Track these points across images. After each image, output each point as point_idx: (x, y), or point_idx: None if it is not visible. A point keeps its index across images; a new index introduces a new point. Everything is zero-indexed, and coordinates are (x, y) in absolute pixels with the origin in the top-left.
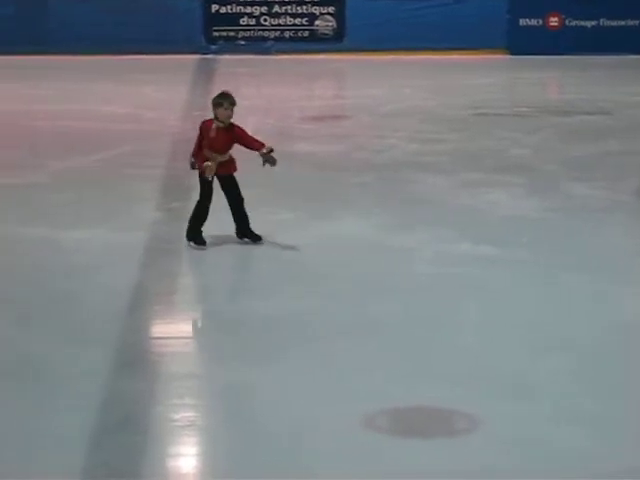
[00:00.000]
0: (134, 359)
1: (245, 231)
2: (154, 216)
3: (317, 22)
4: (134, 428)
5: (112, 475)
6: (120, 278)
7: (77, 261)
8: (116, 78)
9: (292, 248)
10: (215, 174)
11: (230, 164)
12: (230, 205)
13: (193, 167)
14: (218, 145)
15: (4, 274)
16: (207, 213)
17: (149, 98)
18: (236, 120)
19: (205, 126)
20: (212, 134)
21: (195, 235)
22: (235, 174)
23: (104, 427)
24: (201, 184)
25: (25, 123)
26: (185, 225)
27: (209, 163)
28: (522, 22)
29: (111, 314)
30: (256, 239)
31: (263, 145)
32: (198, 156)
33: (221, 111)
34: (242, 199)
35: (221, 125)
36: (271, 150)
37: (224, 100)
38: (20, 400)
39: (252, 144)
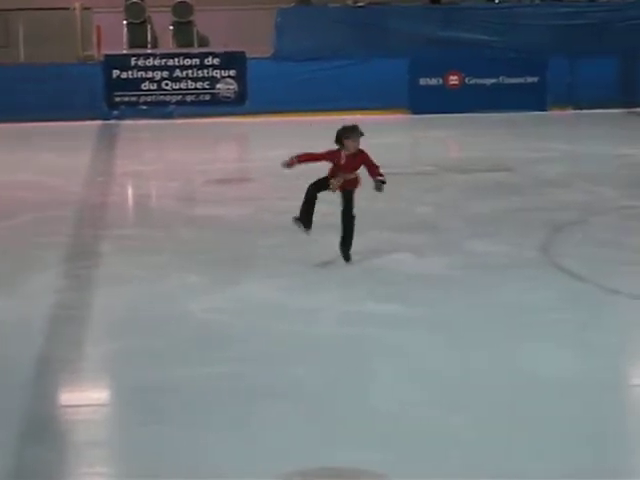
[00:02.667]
0: (42, 428)
1: (342, 245)
2: (60, 283)
3: (218, 85)
4: None
5: None
6: (26, 347)
7: None
8: (19, 146)
9: (204, 312)
10: (340, 189)
11: (354, 181)
12: (341, 219)
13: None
14: (347, 169)
15: None
16: (314, 200)
17: (53, 165)
18: (140, 184)
19: (336, 155)
20: (342, 161)
21: (303, 219)
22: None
23: None
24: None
25: None
26: (93, 291)
27: (334, 180)
28: (422, 81)
29: (17, 384)
30: (346, 258)
31: (380, 174)
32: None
33: (349, 142)
34: (353, 217)
35: (349, 153)
36: (384, 181)
37: (352, 134)
38: None
39: (371, 170)
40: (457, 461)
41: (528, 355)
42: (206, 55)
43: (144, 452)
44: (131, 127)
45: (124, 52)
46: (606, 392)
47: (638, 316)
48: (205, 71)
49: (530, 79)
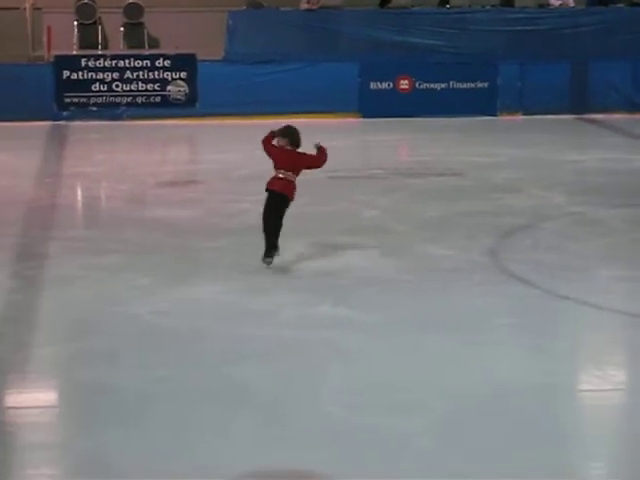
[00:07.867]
0: None
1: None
2: (7, 285)
3: (169, 87)
4: None
5: None
6: None
7: None
8: None
9: (151, 314)
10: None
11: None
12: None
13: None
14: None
15: None
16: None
17: (1, 165)
18: (89, 186)
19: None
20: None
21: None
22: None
23: None
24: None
25: None
26: (40, 293)
27: None
28: (373, 85)
29: None
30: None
31: None
32: None
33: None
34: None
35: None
36: None
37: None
38: None
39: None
40: (407, 463)
41: (476, 359)
42: (157, 57)
43: (89, 454)
44: (81, 128)
45: (74, 53)
46: (555, 397)
47: (586, 321)
48: (156, 73)
49: (480, 84)
